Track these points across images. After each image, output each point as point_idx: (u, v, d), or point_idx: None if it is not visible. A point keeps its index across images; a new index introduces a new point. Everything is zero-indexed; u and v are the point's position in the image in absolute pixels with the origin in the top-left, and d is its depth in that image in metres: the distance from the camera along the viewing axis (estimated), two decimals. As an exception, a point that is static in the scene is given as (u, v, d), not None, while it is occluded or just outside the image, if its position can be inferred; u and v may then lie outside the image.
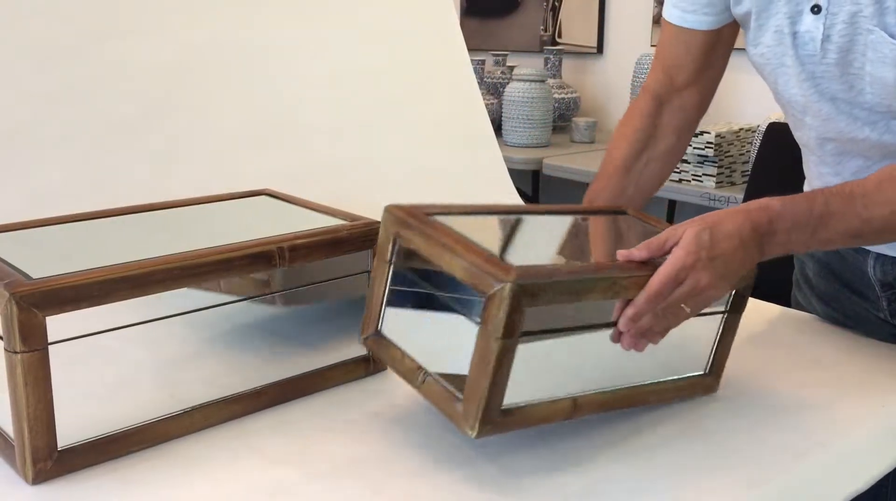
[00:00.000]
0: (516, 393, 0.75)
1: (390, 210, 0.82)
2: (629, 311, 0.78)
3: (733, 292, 0.88)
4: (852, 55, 0.91)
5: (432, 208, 0.84)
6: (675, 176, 2.56)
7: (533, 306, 0.71)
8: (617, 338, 0.80)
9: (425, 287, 0.80)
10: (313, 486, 0.75)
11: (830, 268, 1.15)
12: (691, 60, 1.11)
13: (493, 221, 0.89)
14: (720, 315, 0.89)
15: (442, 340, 0.82)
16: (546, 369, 0.79)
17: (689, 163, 2.53)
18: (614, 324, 0.79)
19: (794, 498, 0.80)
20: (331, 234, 0.90)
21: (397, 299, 0.84)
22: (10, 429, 0.74)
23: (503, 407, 0.74)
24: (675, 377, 0.88)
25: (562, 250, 0.91)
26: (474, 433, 0.73)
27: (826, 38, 0.92)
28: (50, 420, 0.73)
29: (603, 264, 0.78)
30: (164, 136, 1.30)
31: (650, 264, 0.79)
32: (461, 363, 0.74)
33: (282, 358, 0.95)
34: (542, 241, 0.92)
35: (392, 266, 0.82)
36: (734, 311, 0.89)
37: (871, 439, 0.88)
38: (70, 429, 0.75)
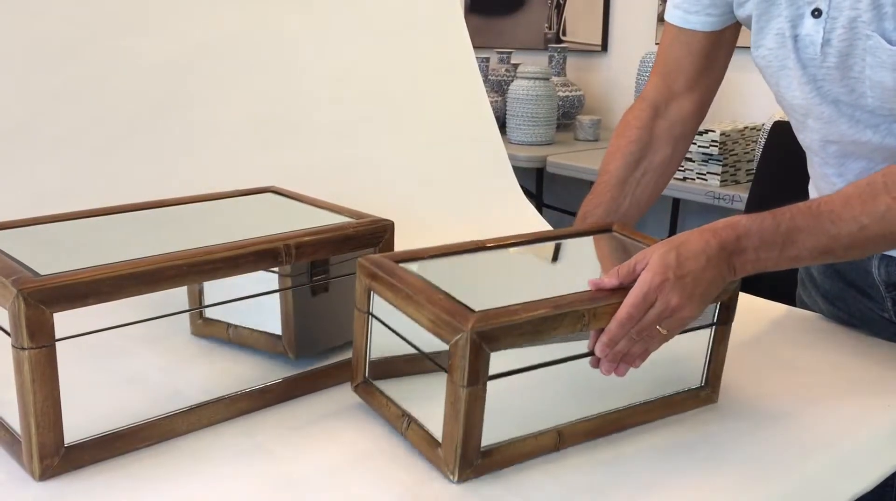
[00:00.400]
0: (498, 429, 0.75)
1: (362, 263, 0.82)
2: (603, 337, 0.78)
3: (719, 304, 0.88)
4: (852, 59, 0.91)
5: (406, 255, 0.85)
6: (679, 174, 2.55)
7: (496, 350, 0.72)
8: (596, 364, 0.80)
9: (402, 336, 0.81)
10: (319, 482, 0.75)
11: (836, 267, 1.15)
12: (691, 63, 1.10)
13: (469, 260, 0.88)
14: (709, 328, 0.89)
15: (425, 385, 0.82)
16: (529, 399, 0.79)
17: (693, 161, 2.52)
18: (592, 352, 0.80)
19: (798, 498, 0.80)
20: (337, 231, 0.90)
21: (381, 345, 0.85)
22: (17, 425, 0.74)
23: (483, 448, 0.75)
24: (668, 394, 0.88)
25: (539, 283, 0.90)
26: (455, 478, 0.74)
27: (826, 41, 0.92)
28: (57, 417, 0.73)
29: (567, 299, 0.77)
30: (169, 133, 1.30)
31: (621, 291, 0.79)
32: (440, 408, 0.74)
33: (287, 356, 0.95)
34: (517, 276, 0.91)
35: (372, 316, 0.83)
36: (722, 322, 0.89)
37: (876, 439, 0.88)
38: (76, 426, 0.75)
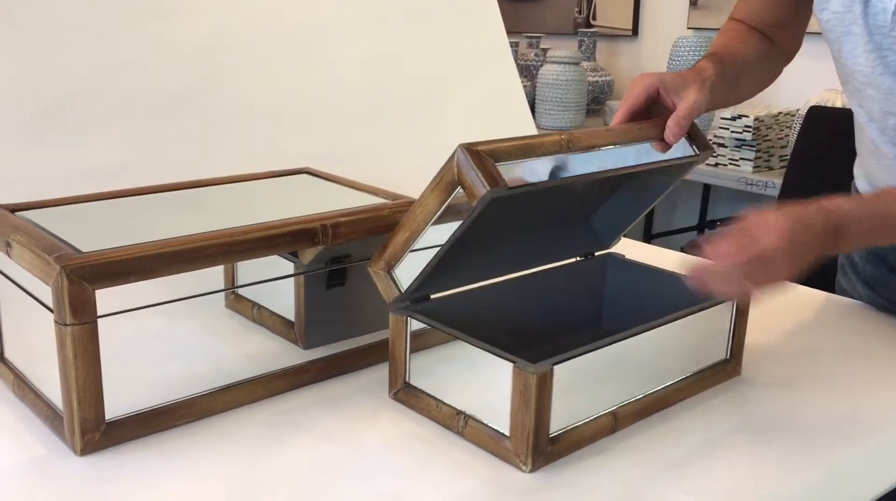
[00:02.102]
0: (557, 416, 0.75)
1: (372, 266, 0.83)
2: (720, 245, 0.78)
3: None
4: None
5: None
6: (711, 160, 2.53)
7: (500, 162, 0.73)
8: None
9: (449, 332, 0.80)
10: (356, 462, 0.75)
11: (878, 253, 1.13)
12: (775, 13, 1.09)
13: None
14: (731, 301, 0.89)
15: (475, 380, 0.82)
16: (580, 387, 0.79)
17: (726, 147, 2.50)
18: (629, 334, 0.80)
19: (838, 484, 0.79)
20: (373, 212, 0.90)
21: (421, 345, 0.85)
22: (59, 401, 0.75)
23: (550, 435, 0.74)
24: (701, 368, 0.89)
25: None
26: (528, 468, 0.73)
27: None
28: (98, 392, 0.73)
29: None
30: (205, 115, 1.31)
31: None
32: (501, 401, 0.74)
33: (297, 345, 0.95)
34: None
35: (409, 315, 0.82)
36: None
37: (919, 426, 0.87)
38: (116, 402, 0.76)
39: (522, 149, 0.76)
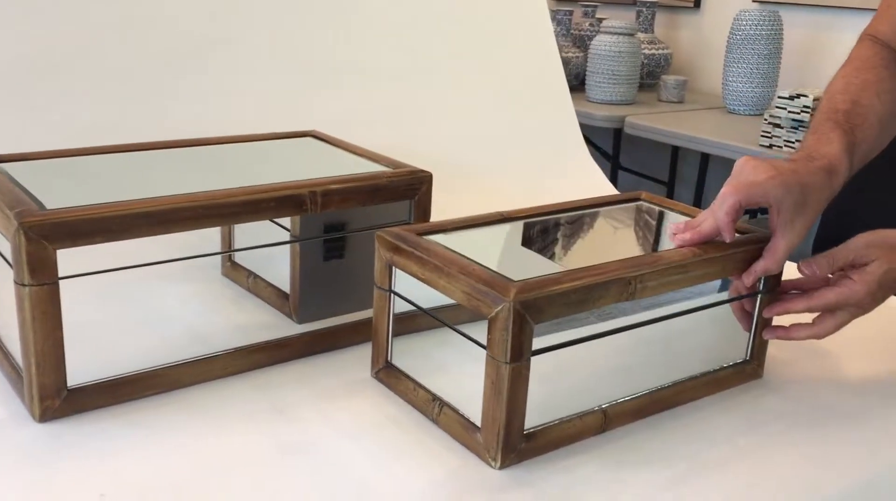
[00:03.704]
0: (539, 411, 0.69)
1: (381, 236, 0.76)
2: (776, 306, 0.81)
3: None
4: None
5: (428, 227, 0.79)
6: (765, 141, 2.41)
7: (540, 322, 0.65)
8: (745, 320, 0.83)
9: (431, 313, 0.74)
10: (326, 444, 0.70)
11: None
12: None
13: (496, 230, 0.82)
14: (756, 297, 0.82)
15: (455, 367, 0.77)
16: (571, 378, 0.73)
17: (782, 128, 2.37)
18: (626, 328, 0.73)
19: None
20: (369, 181, 0.84)
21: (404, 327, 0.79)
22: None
23: (526, 431, 0.68)
24: (715, 368, 0.82)
25: (575, 253, 0.84)
26: (498, 465, 0.68)
27: None
28: (58, 358, 0.70)
29: (612, 266, 0.70)
30: (217, 71, 1.27)
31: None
32: (475, 391, 0.68)
33: (291, 318, 0.90)
34: (552, 245, 0.85)
35: (393, 295, 0.77)
36: (769, 291, 0.82)
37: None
38: (84, 368, 0.72)
39: (577, 301, 0.67)
